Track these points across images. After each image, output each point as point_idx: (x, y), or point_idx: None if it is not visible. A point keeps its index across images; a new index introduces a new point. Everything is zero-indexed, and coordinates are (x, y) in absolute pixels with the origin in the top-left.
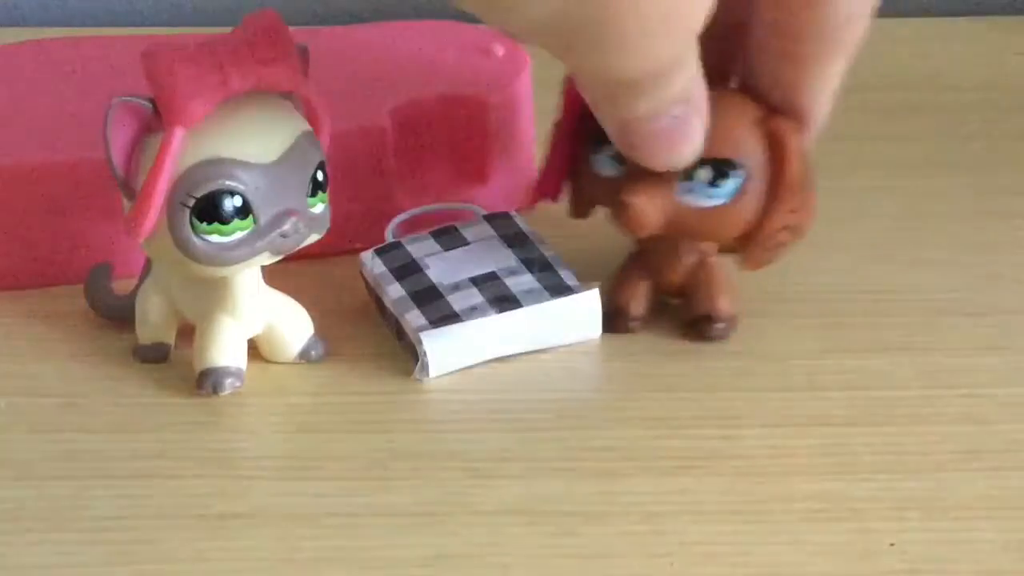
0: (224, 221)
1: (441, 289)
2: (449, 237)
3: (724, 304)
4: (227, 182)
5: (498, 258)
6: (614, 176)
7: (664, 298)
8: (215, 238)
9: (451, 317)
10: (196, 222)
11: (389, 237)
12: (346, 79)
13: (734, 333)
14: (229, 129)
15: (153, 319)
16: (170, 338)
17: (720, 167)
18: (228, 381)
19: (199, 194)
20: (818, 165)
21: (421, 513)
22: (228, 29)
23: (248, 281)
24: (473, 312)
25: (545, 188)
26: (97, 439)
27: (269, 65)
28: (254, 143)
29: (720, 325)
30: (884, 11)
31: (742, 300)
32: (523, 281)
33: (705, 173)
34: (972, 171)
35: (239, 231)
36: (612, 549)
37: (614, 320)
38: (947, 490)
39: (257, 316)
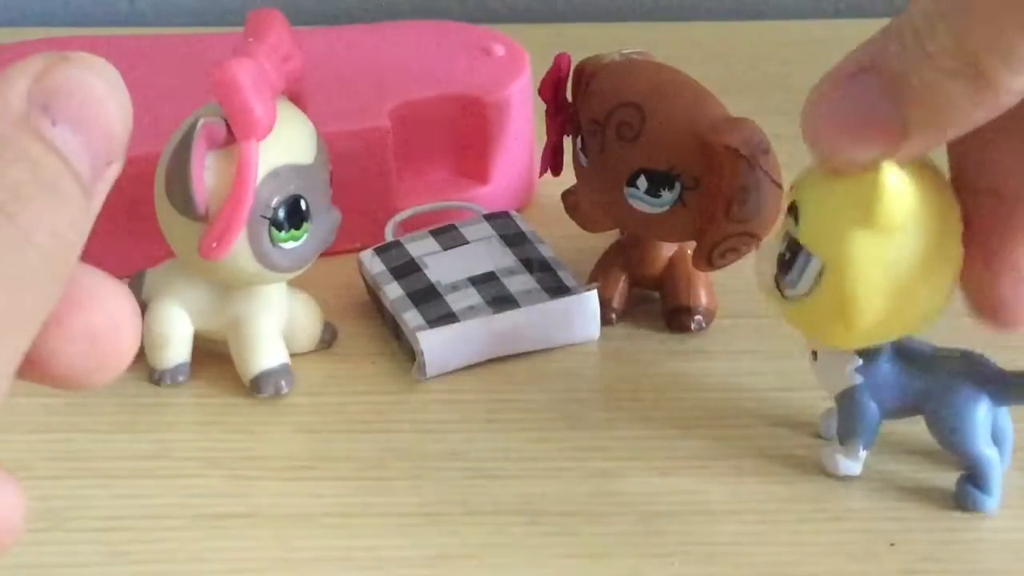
0: (298, 227)
1: (439, 289)
2: (448, 236)
3: (702, 296)
4: (296, 188)
5: (497, 258)
6: (583, 167)
7: (641, 290)
8: (290, 245)
9: (449, 317)
10: (274, 232)
11: (388, 236)
12: (346, 79)
13: (713, 325)
14: (277, 135)
15: (176, 338)
16: (189, 355)
17: (657, 178)
18: (283, 382)
19: (276, 204)
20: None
21: (421, 513)
22: (227, 29)
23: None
24: (471, 312)
25: (545, 163)
26: (97, 439)
27: (292, 65)
28: (298, 146)
29: (698, 317)
30: (887, 10)
31: (742, 300)
32: (521, 281)
33: (642, 183)
34: None
35: (305, 234)
36: (612, 549)
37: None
38: (948, 490)
39: (284, 311)
